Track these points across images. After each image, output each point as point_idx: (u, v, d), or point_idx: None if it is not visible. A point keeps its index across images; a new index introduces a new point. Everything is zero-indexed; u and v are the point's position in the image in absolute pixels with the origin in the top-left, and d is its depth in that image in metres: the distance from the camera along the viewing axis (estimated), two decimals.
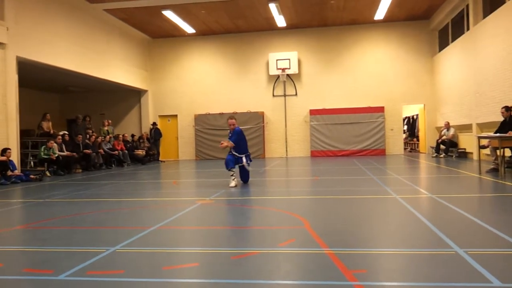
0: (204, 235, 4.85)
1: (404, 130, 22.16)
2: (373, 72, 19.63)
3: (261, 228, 5.06)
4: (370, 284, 2.98)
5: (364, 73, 19.71)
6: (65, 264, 3.59)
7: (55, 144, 13.82)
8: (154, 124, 20.49)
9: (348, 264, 3.40)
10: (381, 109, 19.27)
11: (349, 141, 19.35)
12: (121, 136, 17.96)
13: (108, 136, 17.17)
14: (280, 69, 19.63)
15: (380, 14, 17.86)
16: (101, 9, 16.28)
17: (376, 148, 19.16)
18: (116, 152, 16.88)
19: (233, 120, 9.14)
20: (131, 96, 21.14)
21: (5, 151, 11.33)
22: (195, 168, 15.44)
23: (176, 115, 21.12)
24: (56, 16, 14.29)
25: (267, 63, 20.08)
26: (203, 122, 20.40)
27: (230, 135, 9.16)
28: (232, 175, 9.00)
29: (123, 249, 4.08)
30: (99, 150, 15.92)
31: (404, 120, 22.04)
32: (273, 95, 20.28)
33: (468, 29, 15.34)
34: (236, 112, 19.93)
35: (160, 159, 20.03)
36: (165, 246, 4.28)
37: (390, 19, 18.92)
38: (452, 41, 17.08)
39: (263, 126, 20.02)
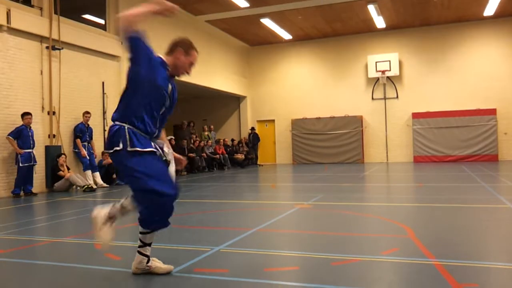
0: (303, 239, 4.88)
1: None
2: (483, 72, 18.17)
3: (361, 235, 4.95)
4: None
5: (472, 73, 18.33)
6: (174, 261, 3.83)
7: None
8: (253, 129, 21.03)
9: (458, 277, 3.20)
10: (492, 111, 17.78)
11: (456, 146, 18.11)
12: (222, 140, 18.82)
13: (209, 141, 18.12)
14: (379, 71, 19.03)
15: (490, 9, 16.52)
16: (203, 21, 17.15)
17: (487, 153, 17.69)
18: (218, 156, 17.70)
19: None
20: (231, 102, 21.93)
21: None
22: (292, 172, 15.55)
23: (273, 120, 21.47)
24: (164, 28, 15.32)
25: (366, 66, 19.58)
26: (300, 126, 20.48)
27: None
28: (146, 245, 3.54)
29: (227, 249, 4.25)
30: (202, 154, 16.78)
31: None
32: (372, 98, 19.71)
33: None
34: (334, 117, 19.74)
35: (258, 163, 20.52)
36: (266, 248, 4.38)
37: (501, 15, 17.39)
38: None
39: (362, 130, 19.55)
